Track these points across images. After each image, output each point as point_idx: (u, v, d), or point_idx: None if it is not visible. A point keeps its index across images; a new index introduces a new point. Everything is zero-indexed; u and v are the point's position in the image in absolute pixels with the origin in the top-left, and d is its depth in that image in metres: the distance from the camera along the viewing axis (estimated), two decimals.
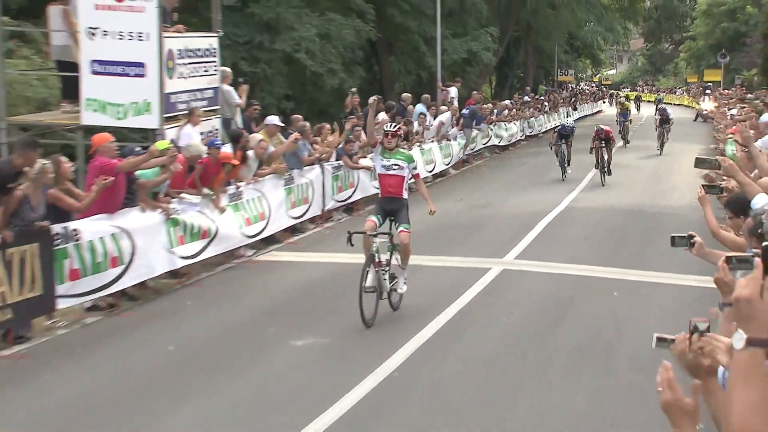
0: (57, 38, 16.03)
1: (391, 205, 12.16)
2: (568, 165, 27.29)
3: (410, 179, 12.55)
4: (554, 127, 34.45)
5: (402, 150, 12.77)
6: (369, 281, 11.31)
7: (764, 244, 2.64)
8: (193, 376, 9.76)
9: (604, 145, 26.39)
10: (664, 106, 38.49)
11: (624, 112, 38.96)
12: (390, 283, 11.89)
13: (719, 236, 7.86)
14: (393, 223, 12.11)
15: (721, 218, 8.63)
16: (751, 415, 2.52)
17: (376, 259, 11.50)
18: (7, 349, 10.71)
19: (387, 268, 11.83)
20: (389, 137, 12.08)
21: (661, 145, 35.02)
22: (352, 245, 11.21)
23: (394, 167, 12.06)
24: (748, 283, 2.58)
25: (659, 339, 5.42)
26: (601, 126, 27.43)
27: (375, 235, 11.54)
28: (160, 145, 13.91)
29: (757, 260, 2.61)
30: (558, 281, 14.14)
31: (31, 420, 8.63)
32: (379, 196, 12.77)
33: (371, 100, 12.56)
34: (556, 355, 10.49)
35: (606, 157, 26.43)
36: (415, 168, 12.48)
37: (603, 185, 25.58)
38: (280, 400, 9.00)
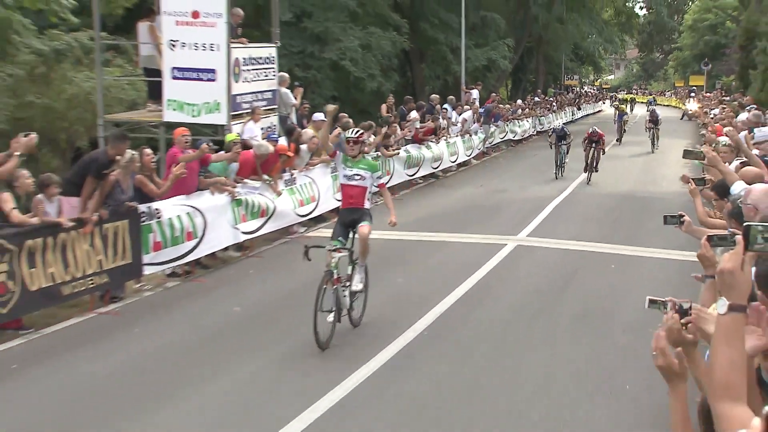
0: (144, 49, 16.16)
1: (351, 216, 9.93)
2: (565, 164, 24.69)
3: (374, 189, 10.33)
4: (547, 130, 32.48)
5: (367, 158, 10.42)
6: (326, 301, 9.15)
7: (745, 223, 2.67)
8: (255, 332, 9.89)
9: (594, 146, 23.64)
10: (654, 107, 37.21)
11: (621, 113, 38.40)
12: (351, 300, 9.79)
13: (707, 223, 7.88)
14: (354, 233, 9.93)
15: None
16: (732, 370, 2.56)
17: (335, 276, 9.32)
18: (104, 307, 10.92)
19: (347, 284, 9.74)
20: (351, 144, 9.83)
21: (653, 144, 33.10)
22: (309, 260, 9.22)
23: (356, 177, 9.81)
24: (731, 257, 2.61)
25: (651, 301, 5.44)
26: (595, 128, 24.56)
27: (335, 249, 9.48)
28: (229, 137, 14.12)
29: (739, 238, 2.64)
30: (563, 255, 14.12)
31: (123, 365, 8.79)
32: (340, 207, 10.67)
33: (329, 108, 10.78)
34: (561, 319, 10.48)
35: (596, 156, 23.67)
36: (379, 177, 10.18)
37: (588, 184, 22.89)
38: (331, 352, 9.09)
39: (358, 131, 10.26)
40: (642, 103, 64.10)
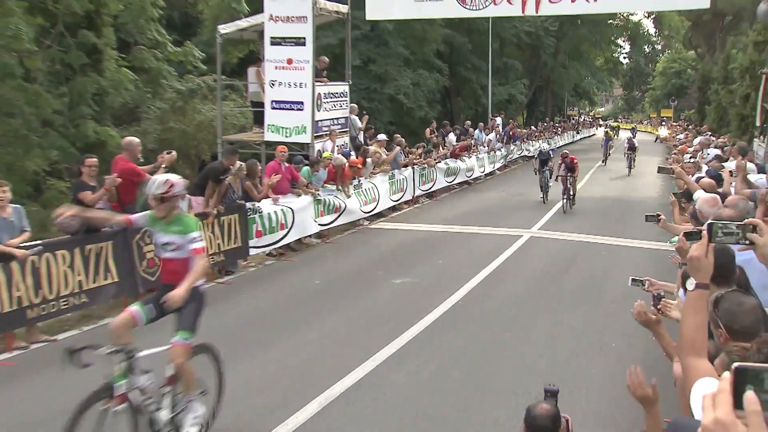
0: (252, 87, 16.38)
1: None
2: (549, 188, 19.68)
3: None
4: (534, 154, 25.29)
5: (183, 216, 5.60)
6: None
7: (709, 221, 2.68)
8: (330, 300, 9.96)
9: (568, 174, 18.07)
10: (631, 135, 33.95)
11: (608, 138, 35.76)
12: (172, 412, 5.22)
13: (681, 223, 7.84)
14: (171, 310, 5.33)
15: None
16: (696, 332, 2.57)
17: (118, 392, 4.81)
18: (221, 278, 11.13)
19: (150, 399, 5.12)
20: (157, 203, 5.39)
21: (629, 167, 28.88)
22: (85, 366, 4.64)
23: (169, 246, 5.44)
24: (698, 247, 2.64)
25: (633, 280, 5.37)
26: (567, 152, 19.15)
27: (115, 351, 4.86)
28: (326, 155, 14.32)
29: (704, 232, 2.65)
30: (566, 245, 13.94)
31: (235, 320, 8.93)
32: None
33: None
34: (563, 292, 10.40)
35: (570, 186, 18.18)
36: (193, 240, 5.37)
37: (565, 213, 17.81)
38: (385, 317, 9.11)
39: (165, 183, 5.36)
40: (626, 129, 63.12)
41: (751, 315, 3.02)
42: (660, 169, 10.22)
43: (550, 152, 21.26)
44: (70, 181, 13.73)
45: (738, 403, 1.29)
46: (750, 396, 1.28)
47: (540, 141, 35.08)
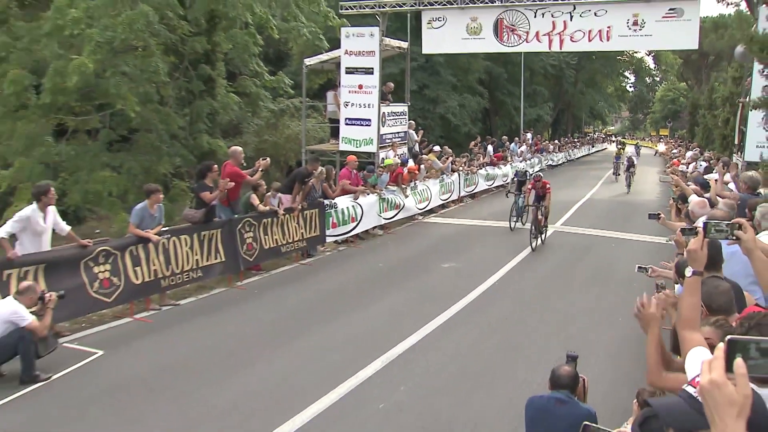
0: (330, 107, 16.54)
1: None
2: (524, 215, 14.12)
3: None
4: (528, 171, 16.63)
5: None
6: None
7: (704, 221, 2.66)
8: (391, 279, 9.99)
9: (539, 203, 12.37)
10: (631, 155, 29.40)
11: (618, 155, 31.08)
12: None
13: (677, 221, 7.69)
14: None
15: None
16: (692, 310, 2.57)
17: None
18: (303, 260, 11.21)
19: None
20: None
21: (628, 186, 23.23)
22: None
23: None
24: (695, 242, 2.63)
25: (639, 267, 5.28)
26: (541, 174, 13.58)
27: None
28: (387, 162, 14.35)
29: (699, 229, 2.65)
30: (582, 238, 13.65)
31: (314, 294, 9.06)
32: None
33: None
34: (579, 276, 10.22)
35: (542, 217, 12.39)
36: None
37: (534, 250, 11.90)
38: (435, 295, 9.12)
39: None
40: (631, 144, 61.41)
41: (725, 296, 3.05)
42: (661, 179, 10.24)
43: (528, 173, 15.33)
44: (190, 182, 14.21)
45: (729, 368, 1.32)
46: (739, 362, 1.31)
47: (577, 151, 34.25)
